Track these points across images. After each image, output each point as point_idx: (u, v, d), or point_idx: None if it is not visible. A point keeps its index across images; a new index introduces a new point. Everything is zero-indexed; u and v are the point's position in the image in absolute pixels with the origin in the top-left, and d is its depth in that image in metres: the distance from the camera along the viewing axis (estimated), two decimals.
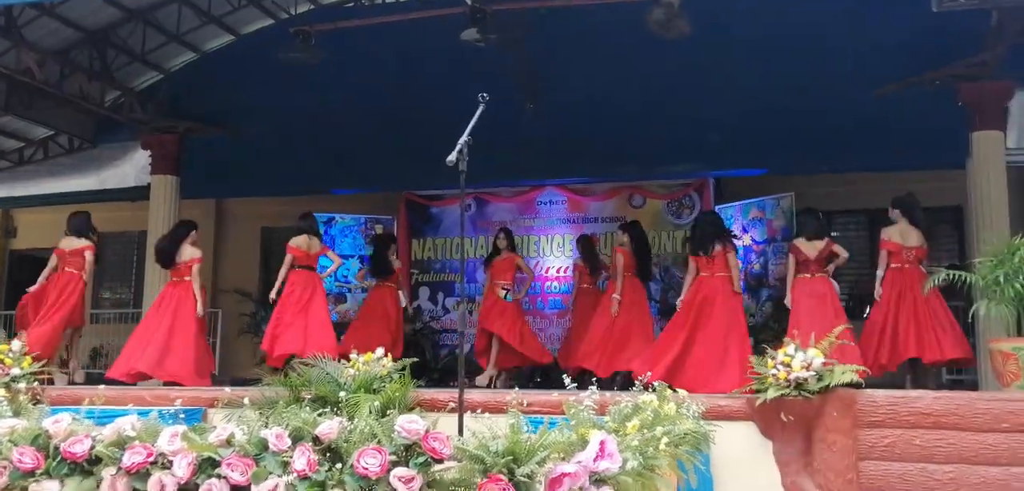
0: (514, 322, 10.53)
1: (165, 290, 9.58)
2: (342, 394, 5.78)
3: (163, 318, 9.25)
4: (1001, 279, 6.30)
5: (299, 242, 9.73)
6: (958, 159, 10.48)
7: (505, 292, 10.46)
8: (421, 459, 3.54)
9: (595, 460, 3.39)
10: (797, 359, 5.95)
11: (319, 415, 3.97)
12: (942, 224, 12.72)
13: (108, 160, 14.20)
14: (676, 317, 8.56)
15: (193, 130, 12.94)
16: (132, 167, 13.84)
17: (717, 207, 12.43)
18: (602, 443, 3.41)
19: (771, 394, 5.92)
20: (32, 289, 9.66)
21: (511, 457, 3.38)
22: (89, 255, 9.74)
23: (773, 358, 6.05)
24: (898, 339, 8.54)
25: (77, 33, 11.49)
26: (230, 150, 12.92)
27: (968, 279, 6.82)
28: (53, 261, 9.74)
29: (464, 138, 4.84)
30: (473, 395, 6.19)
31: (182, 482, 3.68)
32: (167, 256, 9.59)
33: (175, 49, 12.69)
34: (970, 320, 8.38)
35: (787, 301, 8.75)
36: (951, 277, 7.00)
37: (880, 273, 8.74)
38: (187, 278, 9.39)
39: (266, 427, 3.82)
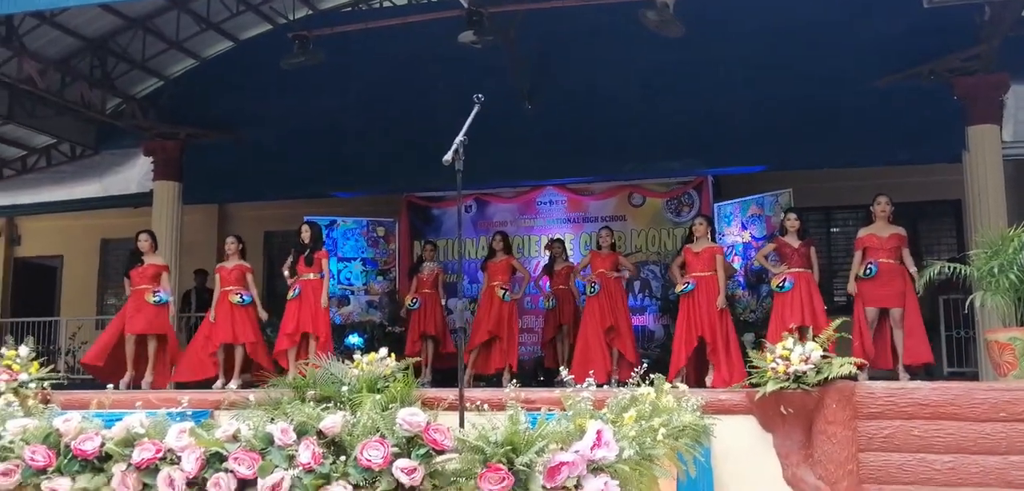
0: (513, 323, 10.66)
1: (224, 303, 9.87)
2: (344, 389, 5.87)
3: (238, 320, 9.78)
4: (996, 270, 6.36)
5: None
6: (955, 153, 10.55)
7: (504, 292, 10.57)
8: (423, 451, 3.60)
9: (592, 449, 3.45)
10: (796, 352, 6.02)
11: (324, 410, 4.05)
12: (942, 218, 12.81)
13: (110, 167, 14.29)
14: None
15: (194, 136, 13.02)
16: (134, 173, 13.93)
17: (716, 204, 12.50)
18: (599, 432, 3.48)
19: (770, 387, 5.98)
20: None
21: (510, 447, 3.45)
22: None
23: (772, 352, 6.12)
24: None
25: (78, 41, 11.58)
26: (232, 155, 12.99)
27: (964, 271, 6.89)
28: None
29: (460, 138, 4.90)
30: (475, 392, 6.28)
31: (190, 477, 3.74)
32: None
33: (175, 56, 12.78)
34: (967, 311, 8.45)
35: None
36: (949, 270, 7.07)
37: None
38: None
39: (271, 423, 3.89)
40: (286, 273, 9.95)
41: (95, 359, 9.57)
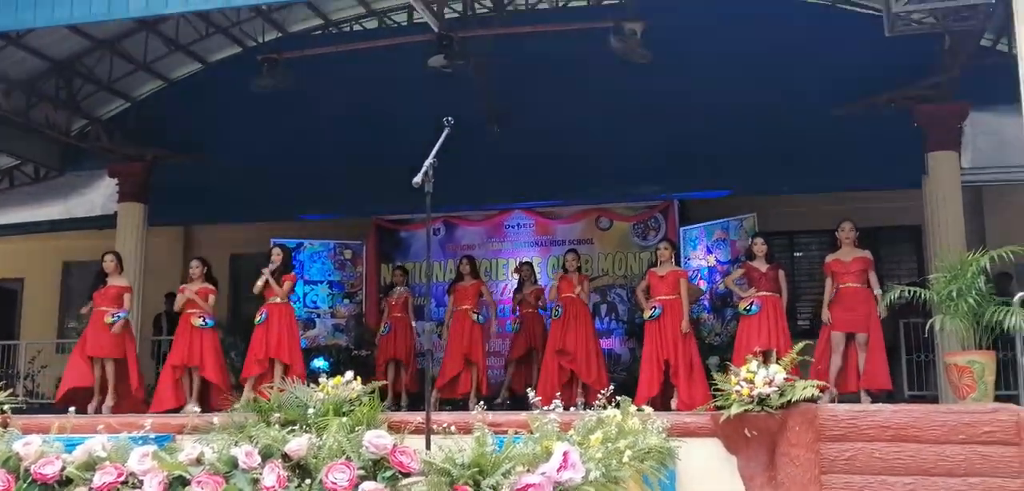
0: (483, 347, 10.66)
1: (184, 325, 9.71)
2: (310, 412, 5.83)
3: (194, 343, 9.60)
4: (954, 294, 6.47)
5: None
6: (915, 179, 10.74)
7: (475, 315, 10.55)
8: (389, 473, 3.62)
9: (558, 471, 3.47)
10: (760, 375, 6.06)
11: (289, 433, 4.03)
12: (902, 243, 12.99)
13: (75, 188, 14.12)
14: None
15: (161, 158, 12.91)
16: (99, 195, 13.77)
17: (682, 228, 12.60)
18: (565, 454, 3.50)
19: (735, 410, 6.02)
20: None
21: (477, 469, 3.47)
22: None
23: (737, 375, 6.17)
24: None
25: (44, 62, 11.46)
26: (198, 177, 12.87)
27: (923, 295, 7.00)
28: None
29: (429, 161, 4.91)
30: (442, 415, 6.26)
31: None
32: None
33: (142, 77, 12.67)
34: (927, 335, 8.57)
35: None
36: (910, 293, 7.18)
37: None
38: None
39: (236, 446, 3.87)
40: (267, 273, 9.74)
41: (83, 381, 9.42)
